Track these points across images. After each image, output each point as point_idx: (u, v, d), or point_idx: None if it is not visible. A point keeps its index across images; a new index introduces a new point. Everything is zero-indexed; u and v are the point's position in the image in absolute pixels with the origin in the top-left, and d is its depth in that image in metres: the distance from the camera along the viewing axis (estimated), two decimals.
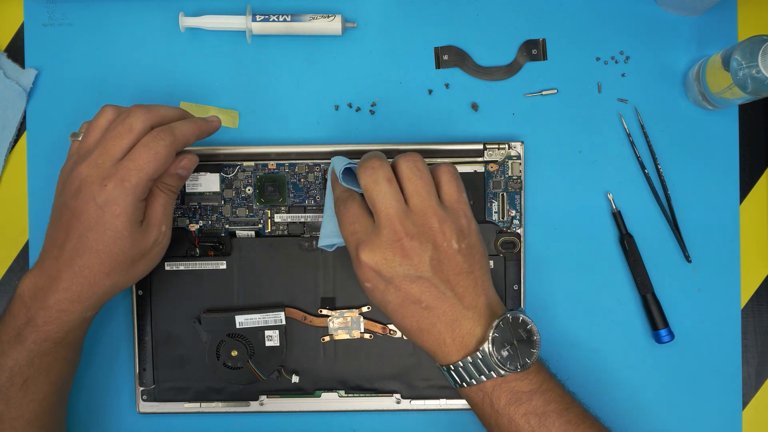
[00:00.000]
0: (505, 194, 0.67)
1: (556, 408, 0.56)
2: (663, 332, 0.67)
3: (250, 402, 0.68)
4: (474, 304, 0.57)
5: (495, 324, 0.56)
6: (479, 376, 0.56)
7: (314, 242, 0.67)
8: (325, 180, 0.67)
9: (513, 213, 0.67)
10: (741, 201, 0.69)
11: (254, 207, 0.68)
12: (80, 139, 0.60)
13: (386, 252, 0.56)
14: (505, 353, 0.55)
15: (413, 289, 0.56)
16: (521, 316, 0.57)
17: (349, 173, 0.60)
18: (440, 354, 0.57)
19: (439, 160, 0.67)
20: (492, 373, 0.56)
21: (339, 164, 0.60)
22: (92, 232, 0.57)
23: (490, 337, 0.55)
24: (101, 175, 0.57)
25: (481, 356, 0.55)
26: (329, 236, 0.62)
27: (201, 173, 0.67)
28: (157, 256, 0.61)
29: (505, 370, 0.55)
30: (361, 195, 0.59)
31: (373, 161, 0.57)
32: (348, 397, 0.68)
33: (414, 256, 0.55)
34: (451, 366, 0.57)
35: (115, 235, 0.57)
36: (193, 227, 0.68)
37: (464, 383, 0.57)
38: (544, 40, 0.69)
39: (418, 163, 0.57)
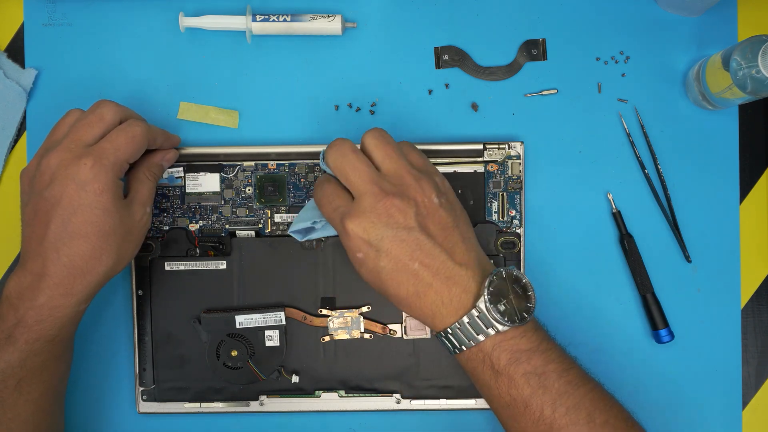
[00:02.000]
0: (505, 194, 0.67)
1: (556, 368, 0.56)
2: (663, 332, 0.67)
3: (250, 402, 0.68)
4: (465, 260, 0.56)
5: (489, 279, 0.55)
6: (477, 335, 0.55)
7: (314, 242, 0.67)
8: None
9: (513, 213, 0.67)
10: (741, 201, 0.69)
11: (254, 207, 0.68)
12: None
13: (371, 215, 0.55)
14: (501, 307, 0.55)
15: (404, 248, 0.55)
16: (514, 272, 0.57)
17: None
18: (438, 317, 0.56)
19: (439, 160, 0.67)
20: (490, 330, 0.55)
21: (321, 155, 0.61)
22: (77, 216, 0.56)
23: (485, 292, 0.55)
24: (76, 156, 0.57)
25: (478, 313, 0.55)
26: (302, 221, 0.62)
27: (201, 173, 0.68)
28: (141, 236, 0.61)
29: (503, 325, 0.55)
30: (337, 179, 0.59)
31: (336, 141, 0.59)
32: (348, 397, 0.68)
33: (398, 212, 0.55)
34: (449, 329, 0.56)
35: (103, 213, 0.57)
36: (193, 227, 0.68)
37: (463, 346, 0.56)
38: (544, 40, 0.69)
39: (381, 132, 0.59)
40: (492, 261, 0.61)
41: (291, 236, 0.66)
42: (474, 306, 0.55)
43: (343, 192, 0.58)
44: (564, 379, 0.55)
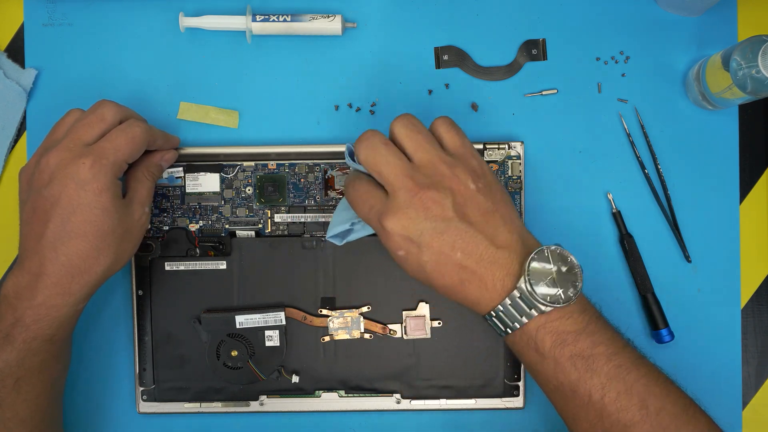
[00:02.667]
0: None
1: (605, 351, 0.54)
2: (663, 332, 0.67)
3: (250, 402, 0.68)
4: (507, 242, 0.55)
5: (530, 257, 0.54)
6: (521, 317, 0.54)
7: (314, 242, 0.67)
8: (326, 179, 0.67)
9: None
10: (741, 201, 0.69)
11: (254, 207, 0.68)
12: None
13: (408, 212, 0.54)
14: (543, 288, 0.53)
15: (445, 240, 0.54)
16: (559, 249, 0.55)
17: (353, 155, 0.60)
18: (483, 302, 0.55)
19: None
20: (533, 311, 0.54)
21: (347, 150, 0.60)
22: (76, 215, 0.56)
23: (525, 272, 0.53)
24: (76, 155, 0.57)
25: (519, 293, 0.54)
26: (339, 224, 0.61)
27: (201, 173, 0.68)
28: (140, 236, 0.61)
29: (546, 305, 0.53)
30: (369, 175, 0.58)
31: (365, 133, 0.57)
32: (348, 397, 0.68)
33: (435, 206, 0.54)
34: (493, 312, 0.55)
35: (102, 212, 0.57)
36: (193, 227, 0.68)
37: (508, 329, 0.55)
38: (544, 40, 0.69)
39: (411, 119, 0.57)
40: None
41: (295, 238, 0.66)
42: (515, 287, 0.54)
43: (376, 189, 0.57)
44: (613, 362, 0.54)
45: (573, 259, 0.55)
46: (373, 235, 0.60)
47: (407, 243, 0.55)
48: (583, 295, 0.56)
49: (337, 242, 0.62)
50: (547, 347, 0.54)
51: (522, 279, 0.54)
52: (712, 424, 0.55)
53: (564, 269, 0.54)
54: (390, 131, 0.58)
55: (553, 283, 0.54)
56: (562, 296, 0.54)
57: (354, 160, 0.59)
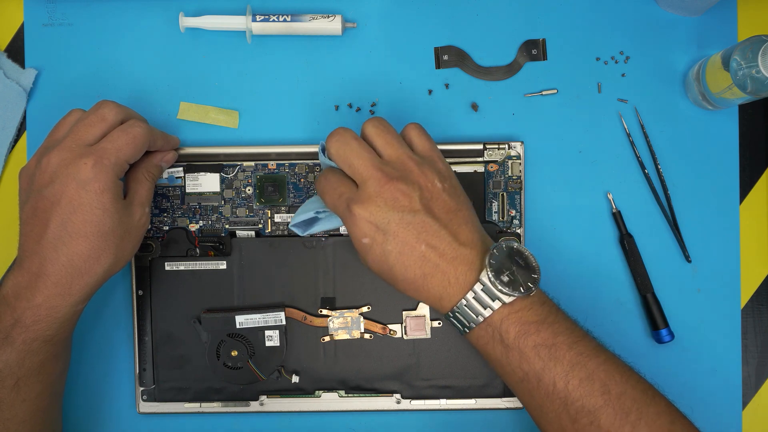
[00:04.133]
0: (505, 194, 0.67)
1: (566, 340, 0.55)
2: (663, 332, 0.67)
3: (250, 402, 0.68)
4: (469, 240, 0.57)
5: (490, 252, 0.56)
6: (484, 309, 0.55)
7: (314, 242, 0.67)
8: None
9: (513, 213, 0.67)
10: (741, 201, 0.69)
11: (254, 207, 0.68)
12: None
13: (377, 200, 0.56)
14: (505, 278, 0.55)
15: (410, 230, 0.56)
16: (515, 245, 0.57)
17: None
18: (446, 297, 0.56)
19: None
20: (496, 302, 0.55)
21: (320, 147, 0.61)
22: (77, 215, 0.56)
23: (487, 263, 0.55)
24: (77, 155, 0.57)
25: (482, 286, 0.55)
26: (304, 212, 0.62)
27: (201, 173, 0.68)
28: (140, 237, 0.61)
29: (509, 296, 0.55)
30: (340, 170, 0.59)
31: (337, 129, 0.59)
32: (348, 397, 0.68)
33: (403, 197, 0.56)
34: (456, 307, 0.56)
35: (102, 212, 0.57)
36: (193, 227, 0.68)
37: (472, 323, 0.56)
38: (544, 40, 0.69)
39: (382, 121, 0.59)
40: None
41: (295, 238, 0.66)
42: (478, 280, 0.55)
43: (347, 180, 0.58)
44: (575, 350, 0.55)
45: (529, 253, 0.57)
46: (336, 230, 0.60)
47: (373, 230, 0.56)
48: (540, 290, 0.58)
49: (300, 232, 0.63)
50: (511, 338, 0.55)
51: (484, 271, 0.55)
52: (672, 406, 0.56)
53: (521, 262, 0.56)
54: (362, 131, 0.59)
55: (513, 275, 0.55)
56: (523, 287, 0.55)
57: (324, 157, 0.60)
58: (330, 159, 0.59)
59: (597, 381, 0.54)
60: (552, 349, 0.55)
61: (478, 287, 0.55)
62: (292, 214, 0.67)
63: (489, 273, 0.55)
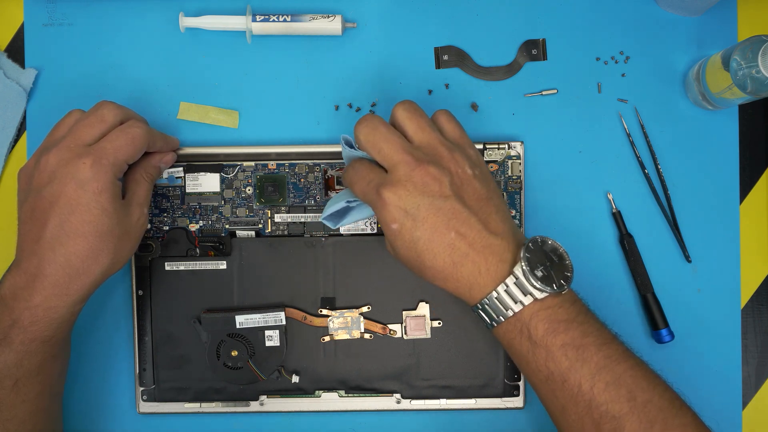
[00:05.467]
0: (504, 194, 0.67)
1: (595, 341, 0.54)
2: (663, 332, 0.67)
3: (250, 402, 0.68)
4: (500, 230, 0.56)
5: (525, 245, 0.55)
6: (515, 303, 0.54)
7: (314, 242, 0.67)
8: (326, 179, 0.67)
9: (513, 213, 0.67)
10: (741, 201, 0.69)
11: (254, 207, 0.68)
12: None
13: (407, 184, 0.55)
14: (539, 273, 0.54)
15: (440, 216, 0.55)
16: (550, 240, 0.56)
17: (351, 146, 0.60)
18: (476, 288, 0.55)
19: None
20: (528, 297, 0.54)
21: (342, 141, 0.60)
22: (75, 215, 0.56)
23: (522, 258, 0.54)
24: (76, 155, 0.57)
25: (515, 279, 0.54)
26: (334, 203, 0.61)
27: (201, 173, 0.68)
28: (139, 237, 0.61)
29: (541, 291, 0.54)
30: (369, 160, 0.58)
31: (365, 117, 0.58)
32: (348, 397, 0.68)
33: (433, 181, 0.55)
34: (486, 299, 0.55)
35: (101, 212, 0.56)
36: (193, 227, 0.68)
37: (501, 317, 0.55)
38: (544, 40, 0.69)
39: (413, 104, 0.58)
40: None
41: (295, 238, 0.66)
42: (511, 273, 0.55)
43: (376, 167, 0.58)
44: (603, 353, 0.54)
45: (564, 250, 0.56)
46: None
47: (402, 215, 0.55)
48: (571, 289, 0.57)
49: (331, 225, 0.62)
50: (539, 335, 0.54)
51: (518, 265, 0.54)
52: (698, 419, 0.55)
53: (555, 259, 0.56)
54: (392, 115, 0.59)
55: (547, 270, 0.55)
56: (556, 283, 0.54)
57: (353, 148, 0.59)
58: (358, 146, 0.58)
59: (623, 386, 0.54)
60: (580, 350, 0.54)
61: (510, 280, 0.54)
62: (292, 214, 0.67)
63: (524, 266, 0.54)
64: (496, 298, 0.55)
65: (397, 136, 0.57)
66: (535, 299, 0.54)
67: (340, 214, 0.62)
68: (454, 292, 0.57)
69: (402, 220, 0.55)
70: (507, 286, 0.54)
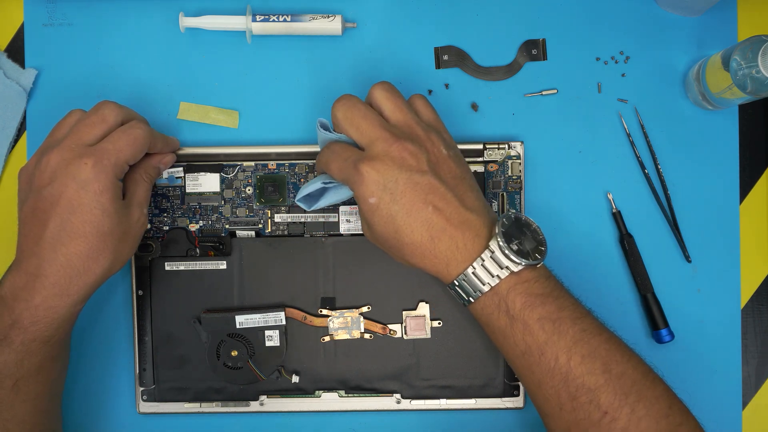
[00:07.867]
0: (505, 194, 0.67)
1: (570, 315, 0.55)
2: (663, 332, 0.67)
3: (250, 402, 0.68)
4: (475, 206, 0.57)
5: (500, 221, 0.56)
6: (492, 278, 0.55)
7: (314, 241, 0.67)
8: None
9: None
10: (741, 201, 0.69)
11: (254, 207, 0.68)
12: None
13: (385, 159, 0.55)
14: (514, 247, 0.55)
15: (418, 191, 0.55)
16: (523, 216, 0.57)
17: (327, 129, 0.60)
18: (453, 263, 0.56)
19: None
20: (504, 271, 0.55)
21: (318, 124, 0.61)
22: (76, 216, 0.56)
23: (497, 232, 0.55)
24: (77, 155, 0.57)
25: (491, 253, 0.55)
26: (309, 186, 0.61)
27: (201, 173, 0.68)
28: (139, 237, 0.61)
29: (517, 264, 0.55)
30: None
31: (343, 96, 0.59)
32: (348, 397, 0.68)
33: (411, 157, 0.56)
34: (463, 275, 0.55)
35: (102, 213, 0.56)
36: (193, 227, 0.68)
37: (478, 292, 0.56)
38: (544, 40, 0.69)
39: (390, 85, 0.59)
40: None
41: (295, 238, 0.66)
42: (486, 248, 0.55)
43: (351, 146, 0.58)
44: (578, 326, 0.55)
45: (536, 225, 0.58)
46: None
47: (381, 190, 0.55)
48: (545, 265, 0.58)
49: (305, 206, 0.63)
50: (517, 309, 0.55)
51: (494, 239, 0.55)
52: (670, 390, 0.56)
53: (529, 233, 0.57)
54: (369, 95, 0.59)
55: (522, 244, 0.56)
56: (531, 256, 0.55)
57: (328, 131, 0.60)
58: (335, 125, 0.59)
59: (599, 359, 0.55)
60: (556, 323, 0.55)
61: (486, 254, 0.55)
62: (292, 214, 0.67)
63: (500, 240, 0.55)
64: (473, 273, 0.55)
65: (375, 114, 0.58)
66: (512, 272, 0.55)
67: (315, 196, 0.63)
68: (431, 269, 0.57)
69: (380, 194, 0.55)
70: (483, 260, 0.55)
